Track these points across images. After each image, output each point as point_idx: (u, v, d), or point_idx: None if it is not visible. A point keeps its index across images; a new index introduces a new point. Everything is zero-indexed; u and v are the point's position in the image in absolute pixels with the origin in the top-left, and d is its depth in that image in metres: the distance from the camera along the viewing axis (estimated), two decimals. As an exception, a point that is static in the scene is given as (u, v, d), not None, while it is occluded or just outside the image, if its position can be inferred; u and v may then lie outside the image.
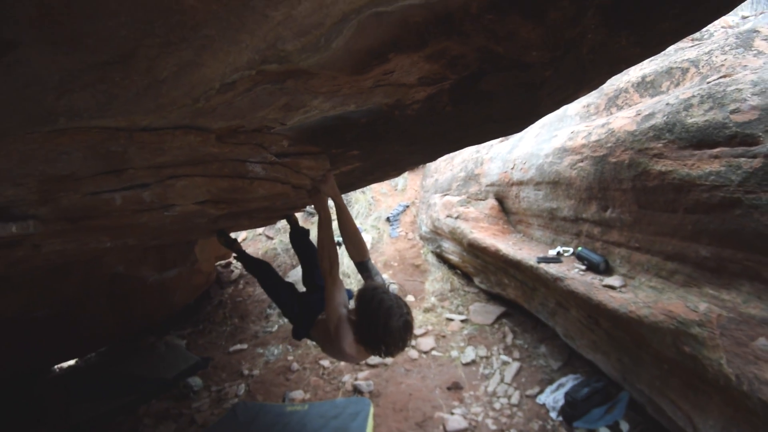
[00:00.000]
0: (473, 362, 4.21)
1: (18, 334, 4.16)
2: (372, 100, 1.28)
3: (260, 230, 7.57)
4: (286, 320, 5.48)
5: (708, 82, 2.36)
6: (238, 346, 5.40)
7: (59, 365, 6.42)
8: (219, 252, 6.26)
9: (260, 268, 2.80)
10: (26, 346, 4.38)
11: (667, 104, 2.40)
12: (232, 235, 7.98)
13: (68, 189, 1.37)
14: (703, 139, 2.18)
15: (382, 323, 1.54)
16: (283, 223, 7.52)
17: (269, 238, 7.41)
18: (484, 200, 4.80)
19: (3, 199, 1.33)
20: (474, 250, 4.59)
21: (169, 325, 6.49)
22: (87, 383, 5.28)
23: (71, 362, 6.52)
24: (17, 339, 4.19)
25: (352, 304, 1.85)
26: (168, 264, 5.55)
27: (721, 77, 2.34)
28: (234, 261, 7.07)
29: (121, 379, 5.16)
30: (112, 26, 0.63)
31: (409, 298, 5.48)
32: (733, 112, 2.10)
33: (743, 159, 2.03)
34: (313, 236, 2.89)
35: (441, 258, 6.09)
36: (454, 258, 5.55)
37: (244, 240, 7.69)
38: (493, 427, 3.39)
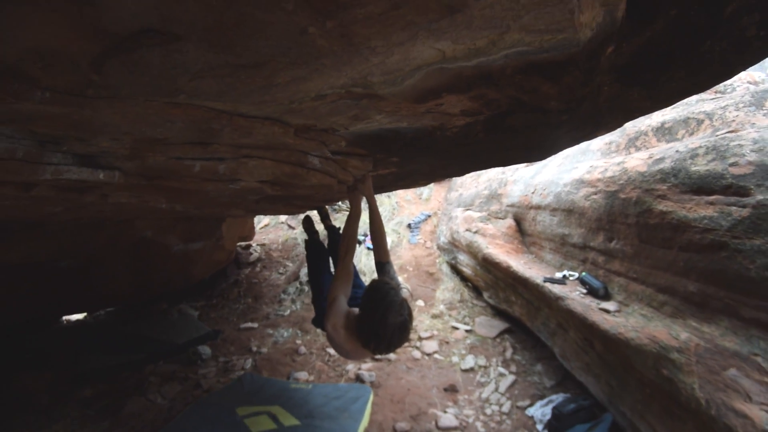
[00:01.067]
0: (472, 369, 4.55)
1: (40, 281, 4.59)
2: (421, 121, 1.69)
3: (283, 219, 8.08)
4: (298, 306, 5.92)
5: (716, 135, 2.70)
6: (249, 324, 5.84)
7: (67, 318, 6.95)
8: (242, 233, 6.74)
9: (319, 251, 2.93)
10: (45, 293, 4.79)
11: (677, 151, 2.75)
12: (256, 219, 8.38)
13: (156, 151, 1.73)
14: (702, 186, 2.52)
15: (380, 314, 1.63)
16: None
17: (291, 227, 7.91)
18: (503, 219, 5.16)
19: (97, 149, 1.67)
20: (487, 264, 4.94)
21: (183, 296, 6.94)
22: (97, 337, 5.68)
23: (79, 317, 7.06)
24: (39, 285, 4.61)
25: None
26: (194, 236, 5.97)
27: (728, 132, 2.67)
28: (253, 244, 7.57)
29: (131, 338, 5.54)
30: (260, 44, 0.97)
31: (419, 303, 5.86)
32: (731, 165, 2.43)
33: (734, 207, 2.35)
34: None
35: (455, 269, 6.46)
36: (467, 271, 5.91)
37: (266, 226, 8.21)
38: (482, 430, 3.71)
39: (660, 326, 2.68)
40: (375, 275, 2.28)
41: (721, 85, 3.69)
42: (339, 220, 7.13)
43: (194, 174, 1.87)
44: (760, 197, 2.28)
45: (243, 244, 7.54)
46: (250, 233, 7.08)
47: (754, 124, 2.77)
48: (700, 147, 2.63)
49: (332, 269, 2.96)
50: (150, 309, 6.66)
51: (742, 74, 3.86)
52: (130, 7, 0.81)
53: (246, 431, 3.32)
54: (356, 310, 1.89)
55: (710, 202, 2.47)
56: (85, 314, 7.25)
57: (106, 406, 4.25)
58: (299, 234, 7.59)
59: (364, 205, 2.62)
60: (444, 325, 5.39)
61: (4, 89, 1.08)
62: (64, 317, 6.97)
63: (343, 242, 2.23)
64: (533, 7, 0.87)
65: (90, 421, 4.00)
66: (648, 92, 2.03)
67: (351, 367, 4.58)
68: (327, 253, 3.03)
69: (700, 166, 2.56)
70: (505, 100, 1.50)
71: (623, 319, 2.88)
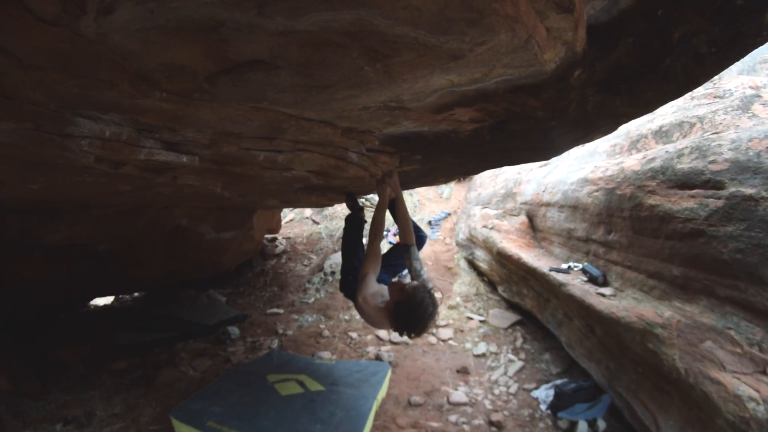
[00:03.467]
0: (483, 355, 5.04)
1: (78, 262, 5.07)
2: (439, 127, 2.23)
3: (307, 214, 8.74)
4: (322, 294, 6.52)
5: (703, 137, 3.15)
6: (275, 310, 6.46)
7: (94, 304, 7.58)
8: (270, 225, 7.39)
9: (359, 223, 3.22)
10: (82, 274, 5.25)
11: (667, 152, 3.21)
12: (282, 214, 9.00)
13: (230, 142, 2.26)
14: (685, 181, 2.97)
15: (417, 316, 2.02)
16: (329, 211, 8.65)
17: (315, 222, 8.56)
18: (517, 216, 5.65)
19: (182, 138, 2.19)
20: (501, 258, 5.44)
21: (210, 284, 7.58)
22: (129, 317, 6.29)
23: (107, 301, 7.70)
24: (77, 266, 5.08)
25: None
26: (226, 226, 6.55)
27: (712, 134, 3.11)
28: (279, 237, 8.24)
29: (162, 319, 6.12)
30: (331, 74, 1.50)
31: (437, 295, 6.37)
32: (711, 162, 2.86)
33: (711, 199, 2.78)
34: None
35: (472, 264, 6.97)
36: (483, 266, 6.41)
37: (291, 221, 8.88)
38: (489, 407, 4.19)
39: (648, 307, 3.14)
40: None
41: (720, 90, 4.11)
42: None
43: (258, 162, 2.45)
44: (732, 189, 2.71)
45: (269, 236, 8.22)
46: (277, 226, 7.73)
47: (738, 126, 3.21)
48: (686, 147, 3.08)
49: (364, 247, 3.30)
50: (178, 295, 7.32)
51: (744, 80, 4.24)
52: (252, 47, 1.35)
53: (276, 394, 3.89)
54: (386, 289, 2.32)
55: (691, 195, 2.92)
56: (112, 300, 7.97)
57: (139, 376, 4.71)
58: (323, 229, 8.23)
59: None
60: (460, 315, 5.90)
61: (136, 88, 1.58)
62: (91, 302, 7.59)
63: (372, 227, 2.68)
64: (508, 53, 1.39)
65: (125, 389, 4.43)
66: (629, 100, 2.52)
67: (371, 348, 5.14)
68: (363, 229, 3.32)
69: (685, 164, 3.02)
70: (502, 111, 2.03)
71: (617, 301, 3.34)
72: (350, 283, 2.82)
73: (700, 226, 2.83)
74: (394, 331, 2.12)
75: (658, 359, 2.99)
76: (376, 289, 2.30)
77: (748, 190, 2.66)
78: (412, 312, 2.03)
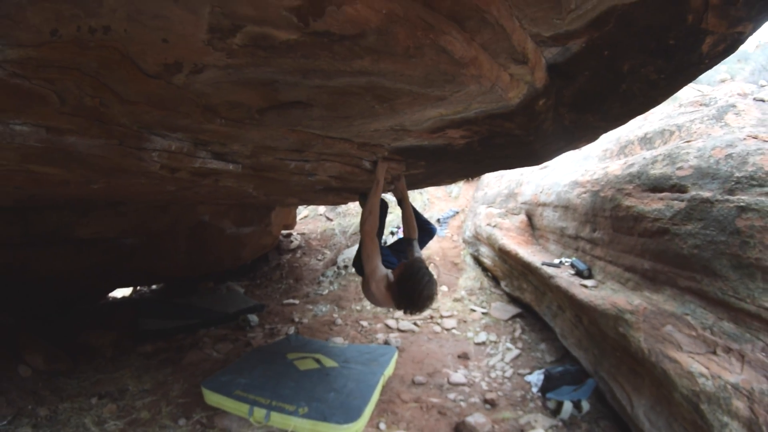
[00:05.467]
0: (483, 343, 5.62)
1: (105, 255, 5.57)
2: (436, 141, 2.82)
3: (321, 211, 9.39)
4: (336, 287, 7.17)
5: (676, 145, 3.66)
6: (291, 301, 7.11)
7: (112, 295, 8.11)
8: (286, 221, 8.02)
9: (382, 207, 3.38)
10: (107, 266, 5.75)
11: (644, 158, 3.73)
12: (298, 209, 9.66)
13: (268, 154, 2.86)
14: (656, 185, 3.48)
15: (419, 291, 2.27)
16: (342, 208, 9.28)
17: (329, 219, 9.20)
18: (517, 215, 6.21)
19: (229, 150, 2.77)
20: (502, 254, 6.00)
21: (227, 277, 8.20)
22: (153, 306, 6.89)
23: (124, 293, 8.18)
24: (103, 258, 5.58)
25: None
26: (246, 221, 7.21)
27: (685, 142, 3.62)
28: (294, 233, 8.90)
29: (185, 308, 6.73)
30: (350, 110, 2.10)
31: (443, 288, 7.00)
32: (678, 168, 3.35)
33: (675, 201, 3.27)
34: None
35: (477, 260, 7.54)
36: (487, 262, 6.97)
37: (305, 217, 9.54)
38: (485, 388, 4.75)
39: (622, 296, 3.67)
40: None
41: (707, 98, 4.56)
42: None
43: (289, 169, 3.06)
44: (693, 193, 3.18)
45: (284, 232, 8.87)
46: (292, 222, 8.37)
47: (710, 134, 3.69)
48: (660, 154, 3.60)
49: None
50: (197, 287, 7.97)
51: (734, 87, 4.70)
52: (295, 94, 1.96)
53: (295, 369, 4.52)
54: (390, 272, 2.57)
55: (660, 198, 3.42)
56: (130, 292, 8.55)
57: (166, 358, 5.24)
58: (336, 225, 8.88)
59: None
60: (463, 307, 6.49)
61: (203, 116, 2.19)
62: (109, 295, 8.16)
63: (371, 218, 2.92)
64: (479, 95, 1.97)
65: (153, 368, 4.91)
66: (600, 117, 3.05)
67: (380, 335, 5.76)
68: (386, 212, 3.68)
69: (657, 170, 3.54)
70: (485, 130, 2.61)
71: (596, 292, 3.89)
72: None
73: (665, 225, 3.34)
74: (397, 308, 2.40)
75: (627, 341, 3.50)
76: (384, 272, 2.59)
77: (706, 194, 3.15)
78: (410, 281, 2.30)
